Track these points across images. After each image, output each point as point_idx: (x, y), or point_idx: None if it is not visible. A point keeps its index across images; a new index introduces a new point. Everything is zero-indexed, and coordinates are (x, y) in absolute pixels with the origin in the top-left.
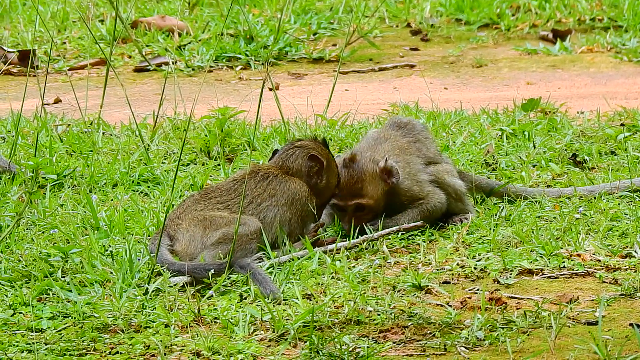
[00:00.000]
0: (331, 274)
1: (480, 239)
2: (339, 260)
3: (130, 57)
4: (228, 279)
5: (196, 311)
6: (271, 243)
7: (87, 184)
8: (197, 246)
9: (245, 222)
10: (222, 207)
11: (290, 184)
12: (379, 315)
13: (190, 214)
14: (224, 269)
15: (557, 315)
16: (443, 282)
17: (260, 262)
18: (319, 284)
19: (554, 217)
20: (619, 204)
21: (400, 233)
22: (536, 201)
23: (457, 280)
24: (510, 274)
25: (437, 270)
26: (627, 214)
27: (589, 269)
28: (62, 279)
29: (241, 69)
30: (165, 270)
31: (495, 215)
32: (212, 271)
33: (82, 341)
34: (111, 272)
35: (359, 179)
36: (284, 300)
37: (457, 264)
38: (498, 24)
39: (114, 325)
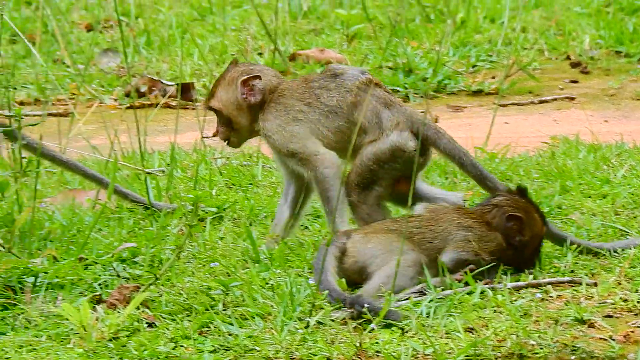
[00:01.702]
0: (493, 307)
1: None
2: (501, 294)
3: None
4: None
5: (358, 344)
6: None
7: (247, 217)
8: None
9: (406, 253)
10: (415, 229)
11: (490, 236)
12: (541, 349)
13: (380, 226)
14: (380, 306)
15: None
16: (606, 316)
17: (420, 295)
18: (480, 317)
19: None
20: None
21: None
22: None
23: (620, 313)
24: None
25: (600, 303)
26: None
27: None
28: (223, 312)
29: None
30: (327, 296)
31: None
32: (367, 306)
33: None
34: (272, 305)
35: (217, 81)
36: (445, 334)
37: (620, 298)
38: None
39: (276, 358)
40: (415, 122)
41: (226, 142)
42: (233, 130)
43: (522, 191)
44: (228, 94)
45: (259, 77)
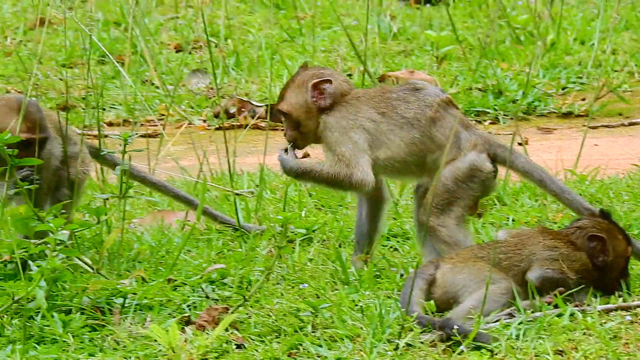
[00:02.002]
0: (582, 330)
1: None
2: (591, 316)
3: None
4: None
5: None
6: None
7: (336, 238)
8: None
9: (497, 282)
10: (503, 256)
11: (576, 256)
12: None
13: (467, 253)
14: (469, 329)
15: None
16: None
17: (510, 317)
18: (570, 340)
19: None
20: None
21: None
22: None
23: None
24: None
25: None
26: None
27: None
28: (312, 333)
29: (490, 123)
30: (415, 323)
31: None
32: (457, 328)
33: None
34: (361, 327)
35: (287, 84)
36: (535, 356)
37: None
38: None
39: None
40: (493, 145)
41: (291, 144)
42: (300, 133)
43: (605, 214)
44: (298, 97)
45: (330, 81)
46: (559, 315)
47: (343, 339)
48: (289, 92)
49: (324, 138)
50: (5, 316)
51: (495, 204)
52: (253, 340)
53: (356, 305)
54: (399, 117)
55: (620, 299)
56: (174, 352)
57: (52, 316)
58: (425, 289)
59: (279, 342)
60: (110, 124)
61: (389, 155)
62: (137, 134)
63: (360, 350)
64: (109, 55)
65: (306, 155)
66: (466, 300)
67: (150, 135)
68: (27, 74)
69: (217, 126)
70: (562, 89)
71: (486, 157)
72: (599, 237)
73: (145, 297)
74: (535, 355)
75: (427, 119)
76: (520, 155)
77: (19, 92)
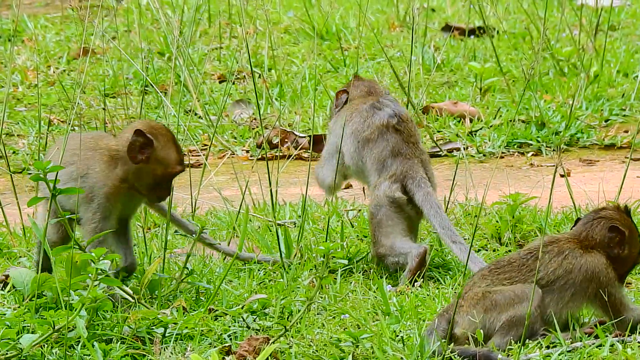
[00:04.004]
0: None
1: None
2: (630, 347)
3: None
4: None
5: None
6: (561, 325)
7: (378, 269)
8: (476, 328)
9: (526, 298)
10: (508, 283)
11: (587, 258)
12: None
13: (472, 291)
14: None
15: None
16: None
17: (548, 347)
18: None
19: None
20: None
21: None
22: None
23: None
24: None
25: None
26: None
27: None
28: None
29: (532, 155)
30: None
31: None
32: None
33: None
34: (402, 358)
35: None
36: None
37: None
38: None
39: None
40: (407, 176)
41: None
42: None
43: (628, 211)
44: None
45: (346, 92)
46: (599, 346)
47: None
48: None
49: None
50: (46, 345)
51: (537, 235)
52: None
53: (397, 335)
54: (351, 128)
55: None
56: None
57: (93, 345)
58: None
59: None
60: None
61: (345, 162)
62: None
63: None
64: (153, 85)
65: (349, 187)
66: (499, 330)
67: (192, 165)
68: (70, 104)
69: (260, 156)
70: (605, 121)
71: (398, 187)
72: (620, 231)
73: (186, 327)
74: None
75: (363, 138)
76: (422, 189)
77: (62, 121)
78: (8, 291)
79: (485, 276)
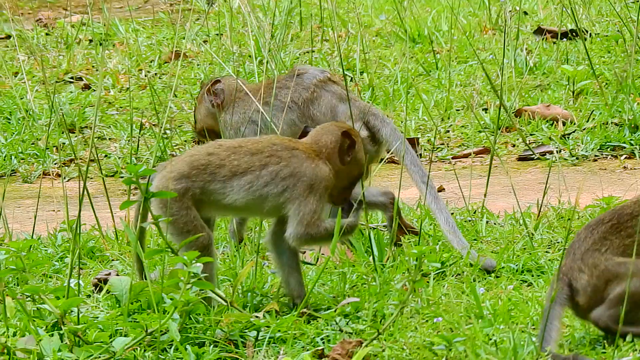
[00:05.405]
0: None
1: None
2: None
3: (514, 145)
4: None
5: None
6: None
7: (471, 273)
8: (598, 302)
9: None
10: (630, 242)
11: None
12: None
13: (593, 259)
14: None
15: None
16: None
17: None
18: None
19: None
20: None
21: None
22: None
23: None
24: None
25: None
26: None
27: None
28: None
29: (625, 158)
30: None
31: None
32: None
33: None
34: None
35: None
36: None
37: None
38: None
39: None
40: (367, 113)
41: None
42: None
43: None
44: (202, 110)
45: (219, 81)
46: None
47: None
48: (196, 111)
49: (224, 136)
50: (139, 348)
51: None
52: None
53: (490, 339)
54: (280, 102)
55: None
56: None
57: (186, 349)
58: (563, 311)
59: None
60: None
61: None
62: None
63: None
64: (245, 88)
65: (441, 190)
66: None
67: None
68: (161, 107)
69: None
70: None
71: (360, 126)
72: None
73: (279, 330)
74: None
75: (304, 100)
76: (387, 125)
77: (153, 124)
78: (103, 295)
79: (605, 237)
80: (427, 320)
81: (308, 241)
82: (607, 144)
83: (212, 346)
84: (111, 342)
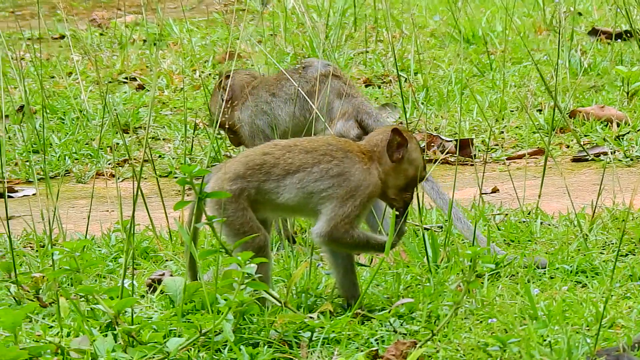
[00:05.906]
0: None
1: None
2: None
3: (568, 146)
4: None
5: None
6: None
7: (525, 274)
8: None
9: None
10: None
11: None
12: None
13: None
14: None
15: None
16: None
17: None
18: None
19: None
20: None
21: None
22: None
23: None
24: None
25: None
26: None
27: None
28: None
29: None
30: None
31: None
32: None
33: None
34: None
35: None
36: None
37: None
38: None
39: None
40: (361, 112)
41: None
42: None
43: None
44: (214, 104)
45: (228, 77)
46: None
47: None
48: (211, 103)
49: (241, 133)
50: (193, 349)
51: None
52: None
53: (544, 340)
54: (284, 94)
55: None
56: None
57: (240, 349)
58: None
59: None
60: None
61: (282, 130)
62: None
63: None
64: (298, 88)
65: (495, 191)
66: None
67: None
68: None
69: None
70: None
71: (353, 124)
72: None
73: (333, 331)
74: None
75: (305, 93)
76: (380, 124)
77: (207, 125)
78: (157, 295)
79: None
80: (481, 321)
81: (330, 243)
82: None
83: (266, 347)
84: (165, 342)
